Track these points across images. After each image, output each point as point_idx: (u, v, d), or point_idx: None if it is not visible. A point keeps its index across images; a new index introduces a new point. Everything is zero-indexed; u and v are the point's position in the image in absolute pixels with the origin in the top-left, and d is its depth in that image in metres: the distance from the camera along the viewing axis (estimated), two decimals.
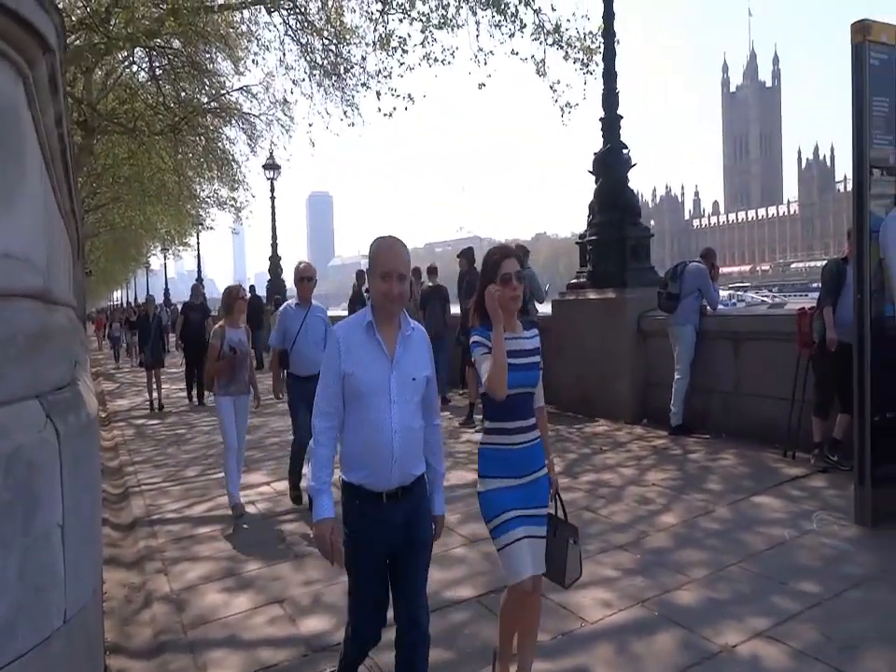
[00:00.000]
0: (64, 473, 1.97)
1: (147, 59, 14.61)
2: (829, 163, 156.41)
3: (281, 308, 6.08)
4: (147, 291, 49.44)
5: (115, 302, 64.89)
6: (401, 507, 2.49)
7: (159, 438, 9.45)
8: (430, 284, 10.41)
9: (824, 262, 7.07)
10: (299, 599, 4.04)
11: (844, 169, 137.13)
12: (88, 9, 10.68)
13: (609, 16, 8.85)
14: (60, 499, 1.94)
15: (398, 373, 2.47)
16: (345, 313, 15.77)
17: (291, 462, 5.94)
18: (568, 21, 10.18)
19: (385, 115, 11.39)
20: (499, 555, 2.77)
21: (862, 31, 4.41)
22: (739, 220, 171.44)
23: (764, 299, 43.69)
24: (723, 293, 48.96)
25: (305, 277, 5.78)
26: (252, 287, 20.24)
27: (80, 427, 2.19)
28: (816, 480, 5.64)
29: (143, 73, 15.78)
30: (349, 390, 2.45)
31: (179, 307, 23.43)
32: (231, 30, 13.76)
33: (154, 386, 12.27)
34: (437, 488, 2.71)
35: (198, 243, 33.80)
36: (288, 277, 21.98)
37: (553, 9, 10.20)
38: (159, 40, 12.47)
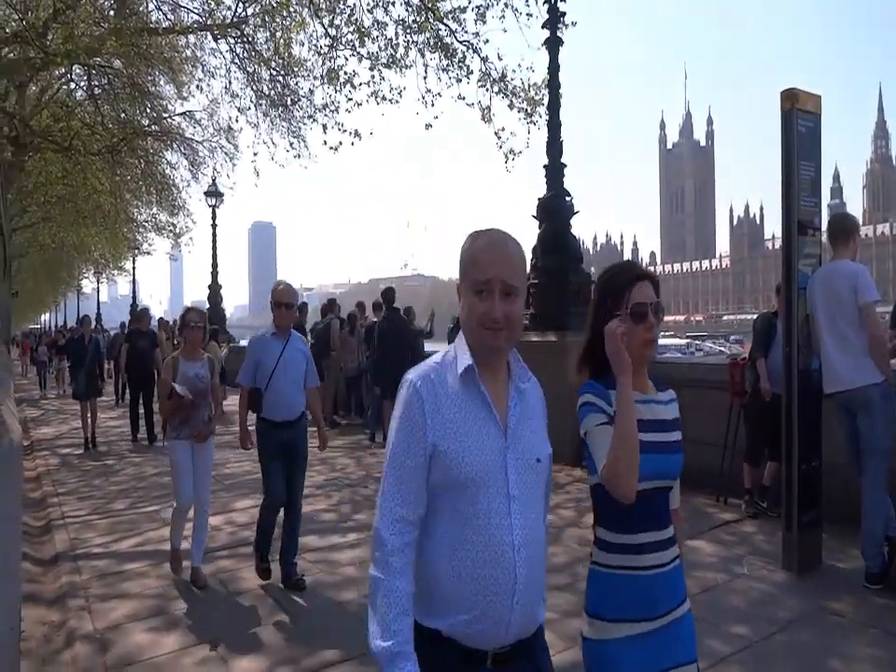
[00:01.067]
0: None
1: (85, 77, 14.34)
2: (758, 221, 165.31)
3: (253, 338, 4.98)
4: (78, 315, 47.91)
5: (40, 326, 62.60)
6: None
7: (85, 468, 9.06)
8: (375, 319, 10.41)
9: (755, 315, 7.32)
10: (231, 640, 3.88)
11: (772, 227, 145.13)
12: (24, 22, 10.41)
13: (554, 67, 9.10)
14: None
15: (515, 451, 1.58)
16: None
17: (259, 530, 4.74)
18: (514, 71, 10.49)
19: (331, 148, 11.41)
20: None
21: (791, 98, 4.62)
22: (675, 271, 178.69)
23: (722, 349, 44.68)
24: (681, 341, 50.31)
25: (284, 303, 4.70)
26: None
27: (1, 455, 2.07)
28: (746, 525, 5.75)
29: (81, 91, 15.48)
30: (438, 478, 1.55)
31: (112, 333, 22.80)
32: (176, 54, 13.64)
33: (89, 421, 10.58)
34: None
35: (133, 267, 32.97)
36: (228, 305, 21.59)
37: (500, 59, 10.49)
38: (99, 59, 12.22)
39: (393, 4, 9.88)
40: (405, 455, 1.55)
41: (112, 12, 11.35)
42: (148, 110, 15.46)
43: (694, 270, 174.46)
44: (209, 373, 4.97)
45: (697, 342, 47.97)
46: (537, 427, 1.67)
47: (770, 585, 4.46)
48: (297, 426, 4.69)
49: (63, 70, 13.57)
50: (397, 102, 10.68)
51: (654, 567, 1.84)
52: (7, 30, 10.76)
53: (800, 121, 4.64)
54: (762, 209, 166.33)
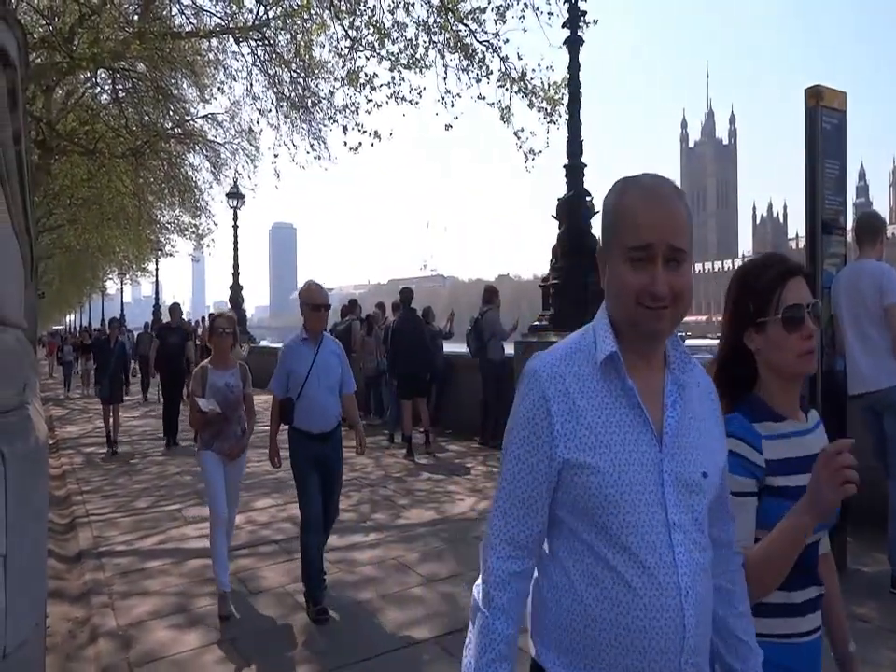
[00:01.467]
0: (9, 501, 1.87)
1: (110, 81, 14.49)
2: (782, 220, 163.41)
3: (284, 346, 4.58)
4: (103, 315, 48.55)
5: (63, 326, 63.37)
6: None
7: (108, 467, 9.18)
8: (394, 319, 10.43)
9: None
10: (250, 638, 3.91)
11: (796, 226, 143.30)
12: (51, 28, 10.58)
13: (574, 66, 9.06)
14: (3, 528, 1.85)
15: (673, 462, 1.22)
16: None
17: (304, 560, 4.25)
18: (534, 70, 10.41)
19: (351, 150, 11.49)
20: None
21: (816, 96, 4.57)
22: (696, 271, 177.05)
23: None
24: (714, 342, 49.53)
25: (319, 305, 4.38)
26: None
27: (28, 453, 2.10)
28: None
29: (105, 95, 15.64)
30: (572, 498, 1.22)
31: (136, 333, 23.02)
32: (198, 57, 13.74)
33: (112, 425, 10.27)
34: None
35: (156, 268, 33.33)
36: (249, 306, 21.67)
37: (520, 58, 10.44)
38: (123, 63, 12.38)
39: (413, 5, 9.89)
40: (522, 467, 1.24)
41: (136, 17, 11.48)
42: (171, 113, 15.60)
43: (717, 269, 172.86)
44: (241, 382, 4.60)
45: None
46: (704, 431, 1.29)
47: None
48: (332, 437, 4.38)
49: (89, 74, 13.72)
50: (416, 103, 10.68)
51: (812, 634, 1.55)
52: (35, 35, 10.88)
53: (825, 119, 4.58)
54: (785, 208, 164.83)
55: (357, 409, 4.88)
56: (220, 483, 4.44)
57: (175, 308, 12.23)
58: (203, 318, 22.16)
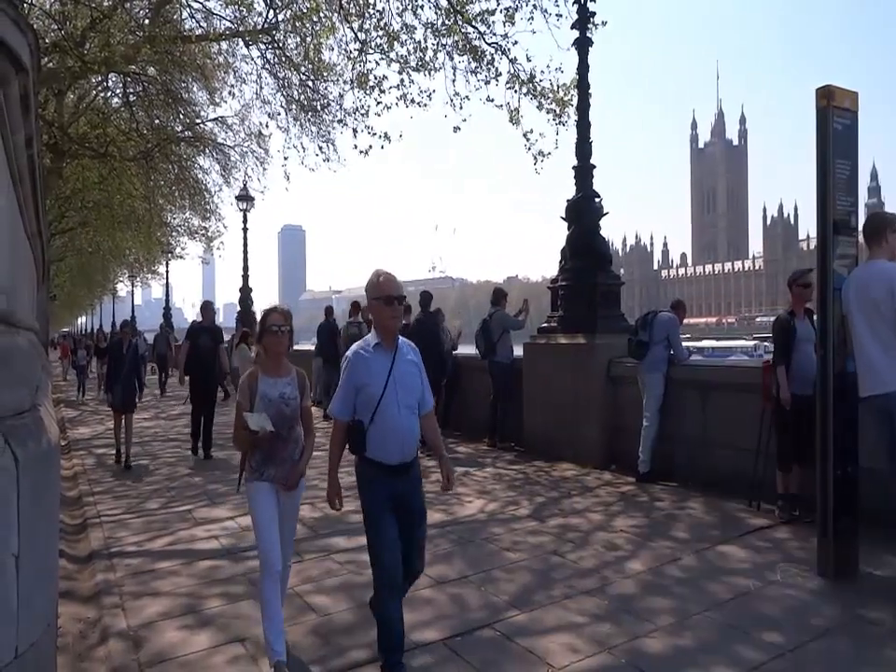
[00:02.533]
0: (22, 502, 1.89)
1: (121, 84, 14.61)
2: (793, 221, 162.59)
3: (349, 355, 3.49)
4: (113, 318, 48.82)
5: (70, 329, 63.72)
6: None
7: (120, 468, 9.20)
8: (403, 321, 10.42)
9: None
10: (261, 638, 3.90)
11: (807, 227, 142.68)
12: (63, 32, 10.65)
13: (583, 68, 9.05)
14: (16, 529, 1.86)
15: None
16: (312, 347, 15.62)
17: (380, 624, 3.41)
18: (543, 72, 10.41)
19: (361, 152, 11.51)
20: None
21: (827, 96, 4.54)
22: (706, 273, 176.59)
23: None
24: (748, 343, 49.65)
25: (394, 297, 3.43)
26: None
27: (40, 455, 2.11)
28: (779, 531, 5.65)
29: (116, 98, 15.78)
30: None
31: (148, 335, 23.08)
32: (208, 60, 13.84)
33: (123, 436, 9.40)
34: None
35: (167, 271, 33.53)
36: (259, 308, 21.60)
37: (529, 60, 10.44)
38: (134, 66, 12.48)
39: (422, 7, 9.91)
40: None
41: (147, 21, 11.55)
42: (182, 116, 15.72)
43: (727, 271, 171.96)
44: (299, 393, 3.75)
45: (766, 343, 46.90)
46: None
47: (804, 592, 4.37)
48: (412, 469, 3.51)
49: (100, 78, 13.84)
50: (425, 105, 10.70)
51: None
52: (47, 40, 10.98)
53: (836, 119, 4.56)
54: (796, 209, 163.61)
55: (438, 430, 3.81)
56: (273, 524, 3.59)
57: (207, 306, 10.83)
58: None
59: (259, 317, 4.01)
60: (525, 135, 10.75)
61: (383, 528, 3.34)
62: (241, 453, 3.82)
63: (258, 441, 3.56)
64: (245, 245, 22.99)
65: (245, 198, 21.46)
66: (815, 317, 6.03)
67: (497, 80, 10.40)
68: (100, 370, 20.01)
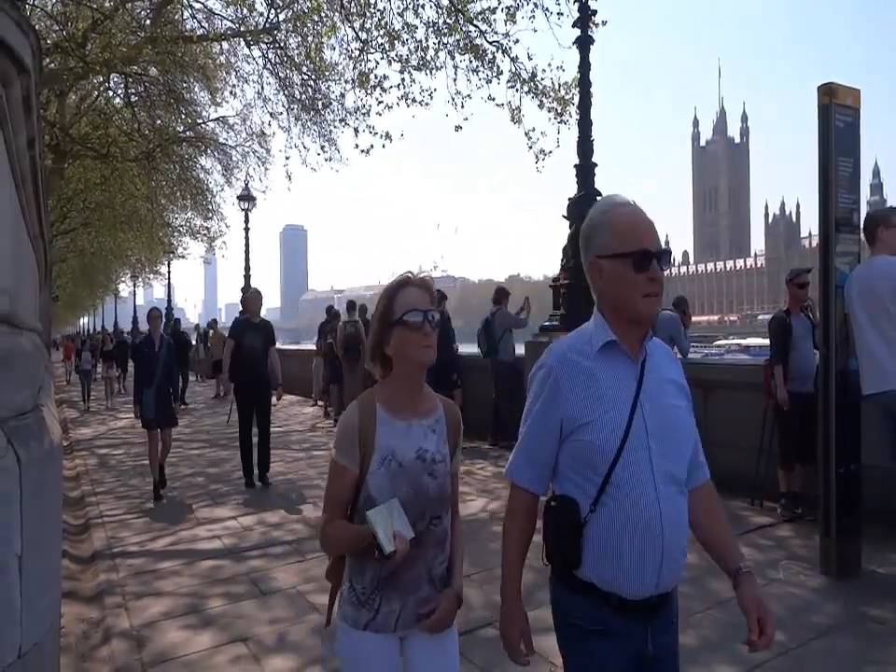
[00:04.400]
0: (25, 502, 1.89)
1: (122, 85, 14.60)
2: (795, 219, 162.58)
3: (549, 358, 1.97)
4: (115, 318, 48.82)
5: (73, 329, 63.70)
6: None
7: (122, 469, 9.22)
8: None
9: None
10: (263, 638, 3.92)
11: (809, 225, 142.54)
12: (64, 33, 10.66)
13: (584, 66, 9.04)
14: (19, 529, 1.86)
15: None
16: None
17: None
18: (544, 70, 10.40)
19: (362, 151, 11.49)
20: None
21: (829, 94, 4.54)
22: (708, 271, 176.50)
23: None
24: (764, 341, 49.38)
25: (653, 253, 1.78)
26: (177, 321, 19.26)
27: (43, 455, 2.12)
28: (782, 529, 5.65)
29: (118, 99, 15.76)
30: None
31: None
32: (210, 61, 13.83)
33: (160, 459, 7.70)
34: None
35: (169, 271, 33.51)
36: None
37: (530, 58, 10.43)
38: (135, 67, 12.48)
39: (423, 6, 9.91)
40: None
41: (148, 21, 11.56)
42: (183, 116, 15.71)
43: (728, 269, 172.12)
44: (448, 446, 2.10)
45: None
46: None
47: (807, 591, 4.37)
48: (670, 606, 2.10)
49: (102, 79, 13.84)
50: (427, 104, 10.70)
51: None
52: (49, 41, 10.99)
53: (838, 116, 4.55)
54: (798, 206, 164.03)
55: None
56: None
57: (255, 297, 8.52)
58: (215, 321, 22.24)
59: (364, 303, 2.14)
60: (526, 134, 10.75)
61: None
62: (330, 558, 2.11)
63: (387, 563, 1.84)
64: (247, 244, 22.97)
65: (246, 198, 21.45)
66: (811, 312, 6.04)
67: (499, 79, 10.41)
68: (104, 374, 18.97)
